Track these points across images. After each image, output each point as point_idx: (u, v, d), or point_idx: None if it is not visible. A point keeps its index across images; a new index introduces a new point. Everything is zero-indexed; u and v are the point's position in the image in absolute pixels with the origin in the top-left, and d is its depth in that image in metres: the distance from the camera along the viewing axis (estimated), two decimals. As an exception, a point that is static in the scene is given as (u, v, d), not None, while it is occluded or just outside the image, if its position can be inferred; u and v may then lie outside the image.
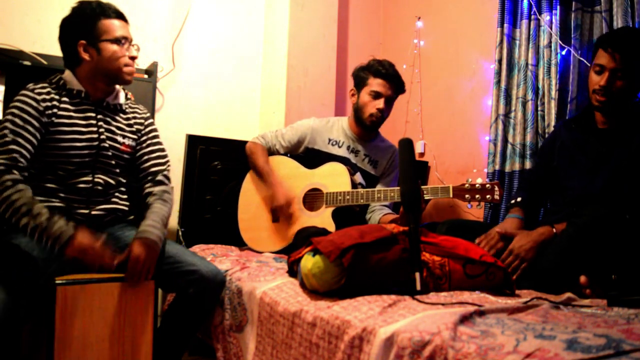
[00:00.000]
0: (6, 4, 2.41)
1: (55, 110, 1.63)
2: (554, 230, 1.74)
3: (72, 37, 1.66)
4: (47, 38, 2.42)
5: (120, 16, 1.71)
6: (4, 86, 2.18)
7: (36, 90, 1.61)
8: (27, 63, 2.22)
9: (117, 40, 1.67)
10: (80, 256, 1.50)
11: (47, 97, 1.62)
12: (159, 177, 1.80)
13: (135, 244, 1.58)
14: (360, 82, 2.34)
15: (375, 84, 2.28)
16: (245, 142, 2.47)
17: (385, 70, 2.27)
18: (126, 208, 1.78)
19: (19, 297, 1.42)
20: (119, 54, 1.67)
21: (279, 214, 2.23)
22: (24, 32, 2.41)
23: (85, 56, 1.66)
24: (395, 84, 2.29)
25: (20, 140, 1.56)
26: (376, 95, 2.27)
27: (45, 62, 2.26)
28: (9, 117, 1.57)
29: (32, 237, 1.47)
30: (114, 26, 1.67)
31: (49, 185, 1.63)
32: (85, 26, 1.65)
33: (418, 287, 1.33)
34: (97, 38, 1.65)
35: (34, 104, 1.59)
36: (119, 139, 1.75)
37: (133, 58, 1.72)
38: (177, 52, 2.79)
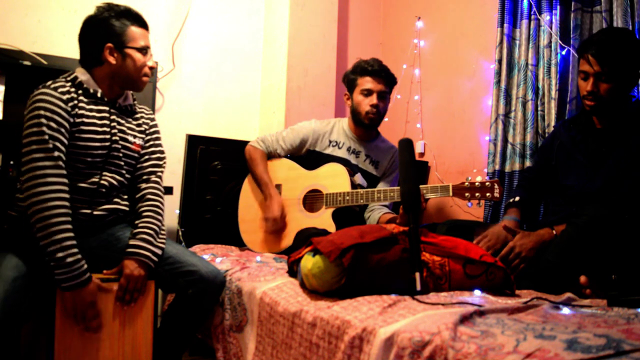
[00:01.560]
0: (6, 4, 2.40)
1: (77, 110, 1.61)
2: (554, 232, 1.75)
3: (99, 38, 1.64)
4: (47, 38, 2.42)
5: (145, 25, 1.73)
6: (4, 86, 2.18)
7: (59, 90, 1.57)
8: (27, 63, 2.22)
9: (142, 50, 1.69)
10: (74, 305, 1.49)
11: (69, 96, 1.60)
12: (154, 178, 1.79)
13: (128, 263, 1.58)
14: (350, 84, 2.37)
15: (365, 82, 2.30)
16: (245, 142, 2.47)
17: (371, 67, 2.30)
18: (127, 208, 1.77)
19: (32, 280, 1.44)
20: (143, 63, 1.70)
21: (272, 226, 2.23)
22: (24, 32, 2.41)
23: (110, 59, 1.65)
24: (384, 78, 2.32)
25: (59, 145, 1.53)
26: (368, 93, 2.30)
27: (45, 62, 2.26)
28: (43, 120, 1.51)
29: (48, 259, 1.45)
30: (141, 35, 1.70)
31: None
32: (114, 30, 1.64)
33: (418, 287, 1.33)
34: (125, 44, 1.65)
35: (62, 104, 1.56)
36: (130, 138, 1.75)
37: (152, 68, 1.74)
38: (177, 52, 2.79)
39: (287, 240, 2.20)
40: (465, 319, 1.10)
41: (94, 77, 1.68)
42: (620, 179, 1.74)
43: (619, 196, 1.72)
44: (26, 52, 2.26)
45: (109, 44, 1.64)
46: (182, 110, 2.84)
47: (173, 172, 2.67)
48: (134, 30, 1.67)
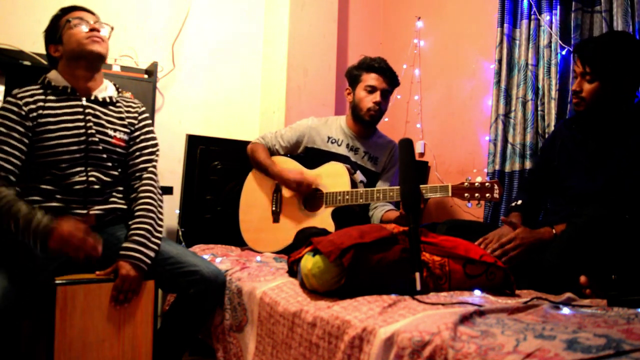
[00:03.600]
0: (6, 4, 2.41)
1: (40, 111, 1.64)
2: (554, 231, 1.75)
3: (46, 46, 1.75)
4: (47, 38, 2.42)
5: (79, 8, 1.76)
6: (4, 86, 2.18)
7: (19, 95, 1.64)
8: (27, 63, 2.22)
9: (69, 21, 1.70)
10: (63, 246, 1.48)
11: (31, 99, 1.64)
12: (146, 174, 1.78)
13: (123, 264, 1.58)
14: (354, 79, 2.36)
15: (370, 78, 2.31)
16: (245, 142, 2.47)
17: (378, 65, 2.31)
18: (125, 207, 1.77)
19: (20, 287, 1.43)
20: (76, 31, 1.70)
21: (301, 193, 2.21)
22: (24, 32, 2.41)
23: (57, 54, 1.73)
24: (389, 77, 2.33)
25: (5, 147, 1.57)
26: (372, 90, 2.30)
27: (45, 62, 2.24)
28: None
29: (18, 237, 1.47)
30: (69, 15, 1.73)
31: (45, 187, 1.63)
32: (51, 31, 1.74)
33: (418, 287, 1.33)
34: (58, 34, 1.71)
35: (16, 109, 1.61)
36: (110, 132, 1.74)
37: (92, 29, 1.71)
38: (177, 52, 2.79)
39: (288, 239, 2.20)
40: (465, 319, 1.10)
41: (61, 74, 1.73)
42: (621, 178, 1.74)
43: (620, 196, 1.72)
44: (26, 52, 2.26)
45: (51, 45, 1.74)
46: (182, 110, 2.85)
47: (173, 172, 2.67)
48: (63, 18, 1.73)
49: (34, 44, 2.38)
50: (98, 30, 1.72)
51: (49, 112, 1.65)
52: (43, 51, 2.29)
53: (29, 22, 2.43)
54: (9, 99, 1.64)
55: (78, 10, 1.75)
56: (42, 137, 1.63)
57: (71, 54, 1.70)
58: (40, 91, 1.67)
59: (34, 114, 1.63)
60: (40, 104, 1.65)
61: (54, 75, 1.72)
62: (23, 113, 1.61)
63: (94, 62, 1.73)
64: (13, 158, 1.58)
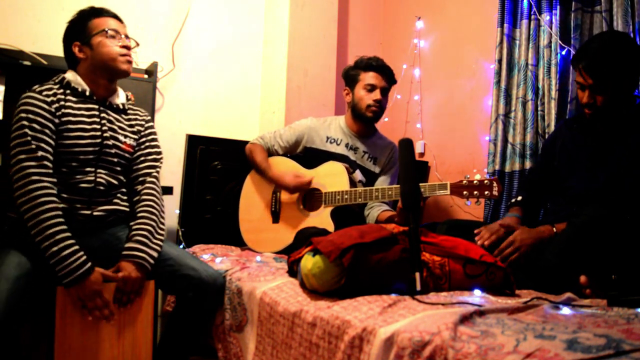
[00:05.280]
0: (6, 4, 2.40)
1: (63, 110, 1.63)
2: (554, 229, 1.75)
3: (68, 41, 1.71)
4: (47, 38, 2.42)
5: (112, 15, 1.75)
6: (4, 86, 2.18)
7: (44, 93, 1.61)
8: (27, 63, 2.22)
9: (106, 32, 1.69)
10: (84, 299, 1.51)
11: (55, 98, 1.63)
12: (149, 178, 1.79)
13: (125, 265, 1.59)
14: (352, 79, 2.37)
15: (368, 77, 2.32)
16: (245, 142, 2.48)
17: (376, 63, 2.33)
18: (127, 209, 1.78)
19: (38, 266, 1.45)
20: (110, 44, 1.69)
21: (300, 191, 2.23)
22: (24, 32, 2.41)
23: (81, 55, 1.69)
24: (387, 75, 2.35)
25: (43, 145, 1.55)
26: (371, 88, 2.31)
27: (45, 62, 2.26)
28: (25, 122, 1.54)
29: (46, 257, 1.46)
30: (105, 21, 1.71)
31: None
32: (78, 27, 1.70)
33: (418, 287, 1.33)
34: (89, 35, 1.69)
35: (46, 106, 1.59)
36: (121, 138, 1.76)
37: (127, 48, 1.73)
38: (177, 52, 2.79)
39: (288, 239, 2.20)
40: (465, 319, 1.10)
41: (81, 77, 1.71)
42: (621, 177, 1.74)
43: (620, 196, 1.72)
44: (26, 52, 2.26)
45: (76, 42, 1.69)
46: (182, 110, 2.84)
47: (173, 172, 2.67)
48: (97, 20, 1.71)
49: (34, 44, 2.39)
50: (129, 48, 1.74)
51: (69, 112, 1.65)
52: (43, 51, 2.32)
53: (29, 22, 2.43)
54: (34, 95, 1.59)
55: (112, 17, 1.74)
56: (62, 136, 1.62)
57: (99, 64, 1.69)
58: (61, 91, 1.66)
59: (59, 112, 1.62)
60: (62, 103, 1.64)
61: (72, 77, 1.69)
62: (53, 110, 1.60)
63: (119, 77, 1.76)
64: (50, 155, 1.57)
